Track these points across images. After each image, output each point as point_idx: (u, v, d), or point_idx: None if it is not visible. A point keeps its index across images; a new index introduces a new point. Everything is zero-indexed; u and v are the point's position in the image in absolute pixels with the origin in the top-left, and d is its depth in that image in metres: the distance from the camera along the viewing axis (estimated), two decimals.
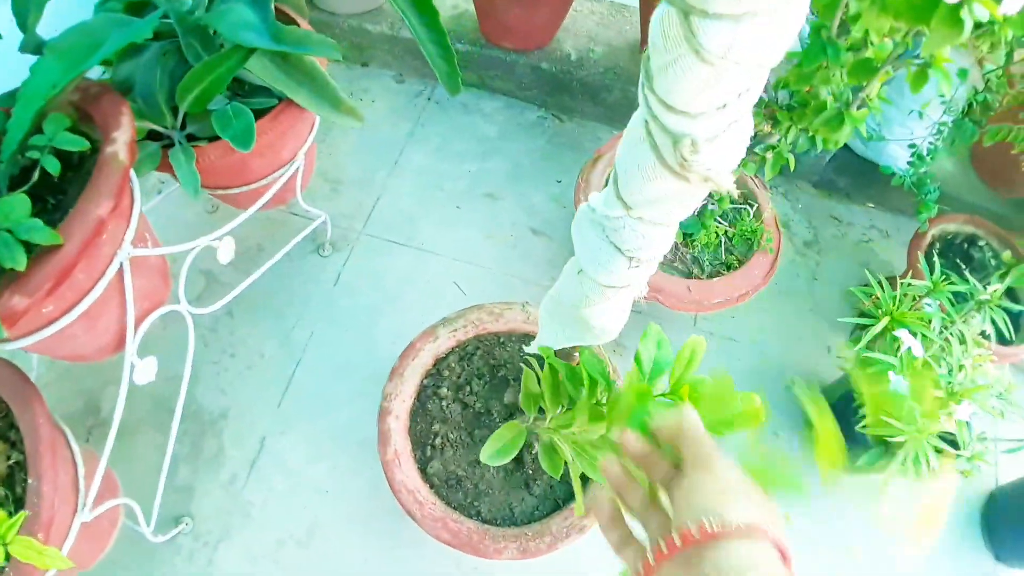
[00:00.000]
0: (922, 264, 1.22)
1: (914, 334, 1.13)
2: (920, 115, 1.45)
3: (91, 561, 1.07)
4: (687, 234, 1.17)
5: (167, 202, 1.24)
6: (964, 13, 0.50)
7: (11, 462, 0.96)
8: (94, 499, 0.97)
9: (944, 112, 1.36)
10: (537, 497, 0.99)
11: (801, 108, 0.86)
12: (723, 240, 1.22)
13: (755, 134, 1.03)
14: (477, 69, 1.64)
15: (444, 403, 1.05)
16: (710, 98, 0.35)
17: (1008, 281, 1.30)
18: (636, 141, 0.42)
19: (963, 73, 1.33)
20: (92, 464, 1.00)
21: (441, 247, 1.45)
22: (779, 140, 0.95)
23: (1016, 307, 1.26)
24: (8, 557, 0.79)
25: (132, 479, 1.13)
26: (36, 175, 0.77)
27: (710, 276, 1.21)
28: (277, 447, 1.26)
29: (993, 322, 1.24)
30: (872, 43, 0.65)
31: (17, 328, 0.73)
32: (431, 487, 0.97)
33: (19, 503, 0.91)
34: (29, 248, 0.69)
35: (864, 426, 1.14)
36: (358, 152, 1.56)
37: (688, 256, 1.21)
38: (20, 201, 0.68)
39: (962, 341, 1.22)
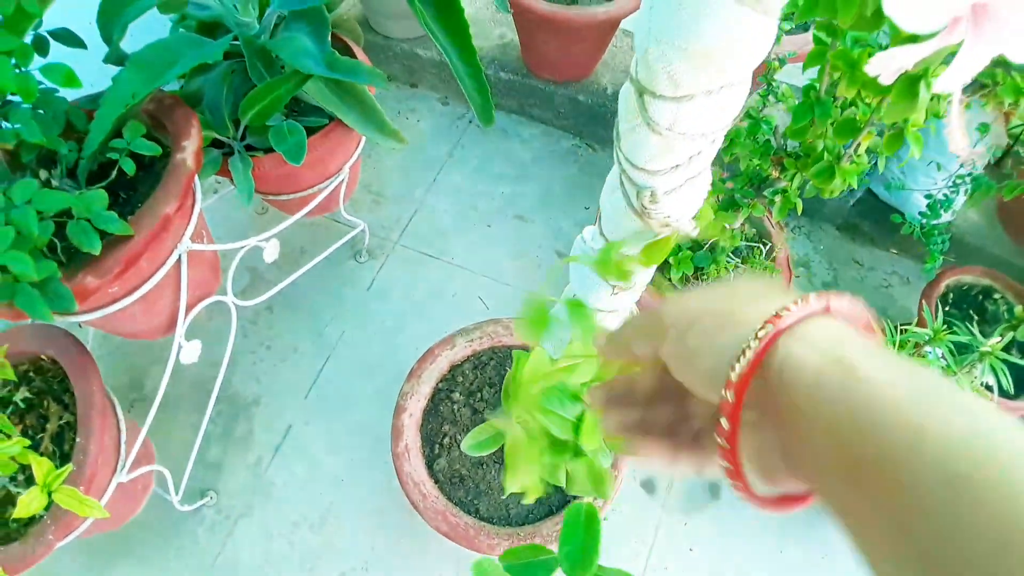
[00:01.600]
0: (926, 312, 1.26)
1: None
2: (939, 167, 1.50)
3: (121, 521, 1.18)
4: (698, 267, 1.24)
5: (222, 201, 1.36)
6: (922, 86, 0.57)
7: (62, 422, 1.08)
8: (132, 463, 1.08)
9: (961, 166, 1.41)
10: (534, 501, 1.07)
11: (805, 157, 0.93)
12: (733, 275, 1.28)
13: (766, 178, 1.10)
14: (518, 97, 1.74)
15: (455, 406, 1.14)
16: (664, 160, 0.43)
17: (1014, 335, 1.33)
18: (614, 187, 0.50)
19: (983, 128, 1.38)
20: (133, 433, 1.11)
21: (470, 263, 1.54)
22: (787, 185, 1.02)
23: (1020, 361, 1.29)
24: (49, 506, 0.90)
25: (166, 451, 1.24)
26: (114, 173, 0.89)
27: None
28: (301, 435, 1.36)
29: (995, 374, 1.27)
30: (858, 104, 0.72)
31: (86, 304, 0.84)
32: (435, 482, 1.06)
33: (65, 459, 1.02)
34: (103, 236, 0.80)
35: None
36: (400, 168, 1.67)
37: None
38: (99, 196, 0.79)
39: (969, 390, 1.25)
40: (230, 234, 1.48)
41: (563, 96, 1.69)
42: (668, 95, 0.38)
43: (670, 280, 1.23)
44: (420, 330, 1.45)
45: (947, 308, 1.54)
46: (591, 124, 1.73)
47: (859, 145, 0.76)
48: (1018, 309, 1.48)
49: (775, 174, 1.04)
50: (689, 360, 0.32)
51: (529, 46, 1.62)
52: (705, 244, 1.24)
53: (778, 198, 1.05)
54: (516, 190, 1.65)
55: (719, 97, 0.38)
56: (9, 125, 0.82)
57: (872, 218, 1.78)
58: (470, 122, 1.76)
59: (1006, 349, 1.35)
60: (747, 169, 1.02)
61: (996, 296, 1.57)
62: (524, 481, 0.56)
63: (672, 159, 0.43)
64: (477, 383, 1.16)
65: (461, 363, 1.16)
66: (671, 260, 1.19)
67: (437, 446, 1.11)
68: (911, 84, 0.56)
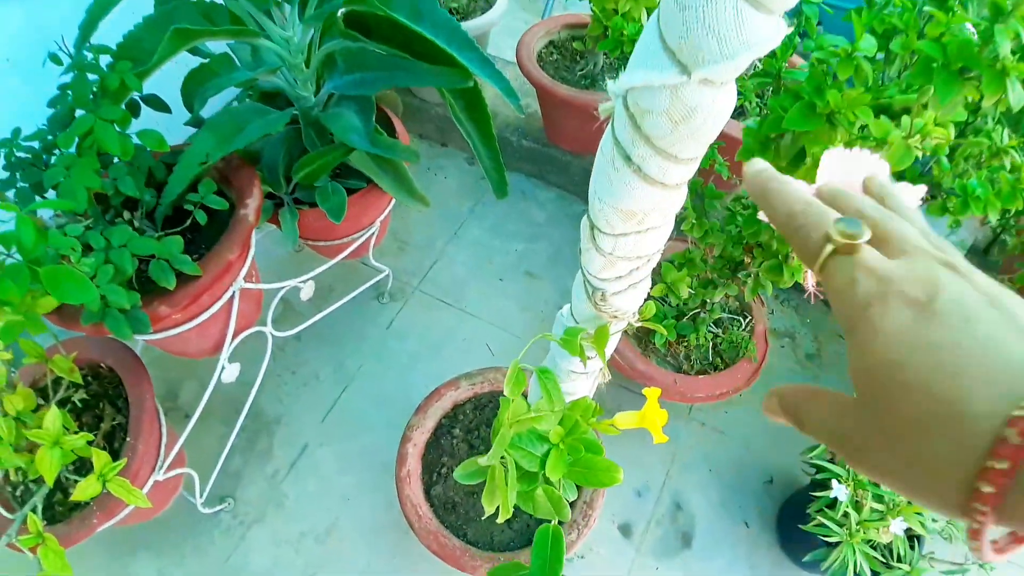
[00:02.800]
0: None
1: None
2: None
3: (151, 515, 1.33)
4: (681, 334, 1.39)
5: (266, 238, 1.54)
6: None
7: (114, 423, 1.24)
8: (168, 464, 1.24)
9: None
10: (515, 531, 1.21)
11: (766, 250, 1.08)
12: (713, 344, 1.43)
13: (740, 262, 1.25)
14: (537, 163, 1.92)
15: (455, 441, 1.29)
16: (609, 272, 0.59)
17: None
18: (578, 283, 0.66)
19: (954, 223, 1.53)
20: (172, 438, 1.27)
21: (481, 312, 1.71)
22: (757, 270, 1.17)
23: None
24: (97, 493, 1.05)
25: (195, 457, 1.39)
26: (188, 221, 1.07)
27: (698, 373, 1.41)
28: (315, 455, 1.51)
29: None
30: None
31: (156, 327, 1.01)
32: (431, 506, 1.20)
33: (114, 455, 1.18)
34: (177, 274, 0.97)
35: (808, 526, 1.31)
36: (426, 220, 1.85)
37: (680, 353, 1.43)
38: (177, 242, 0.96)
39: None
40: (270, 268, 1.66)
41: (578, 166, 1.86)
42: (608, 232, 0.54)
43: (654, 344, 1.39)
44: (431, 369, 1.60)
45: None
46: None
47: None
48: None
49: (747, 260, 1.19)
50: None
51: (549, 120, 1.81)
52: (688, 314, 1.40)
53: (750, 280, 1.21)
54: (529, 248, 1.82)
55: (646, 235, 0.54)
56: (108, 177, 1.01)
57: None
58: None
59: None
60: (723, 254, 1.18)
61: None
62: (497, 503, 0.71)
63: (615, 272, 0.59)
64: (476, 422, 1.31)
65: (463, 403, 1.32)
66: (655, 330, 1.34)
67: (435, 474, 1.26)
68: (761, 253, 0.72)
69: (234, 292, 1.10)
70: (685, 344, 1.41)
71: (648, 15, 1.53)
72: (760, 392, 1.69)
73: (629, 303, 0.64)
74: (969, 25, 0.67)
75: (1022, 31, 0.61)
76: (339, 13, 1.10)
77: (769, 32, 0.37)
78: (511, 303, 1.73)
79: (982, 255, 1.95)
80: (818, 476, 1.33)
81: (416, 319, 1.69)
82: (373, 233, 1.43)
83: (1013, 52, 0.65)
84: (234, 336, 1.20)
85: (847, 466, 1.30)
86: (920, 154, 0.62)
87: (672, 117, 0.42)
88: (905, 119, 0.60)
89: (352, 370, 1.61)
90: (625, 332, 1.43)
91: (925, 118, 0.61)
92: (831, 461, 1.34)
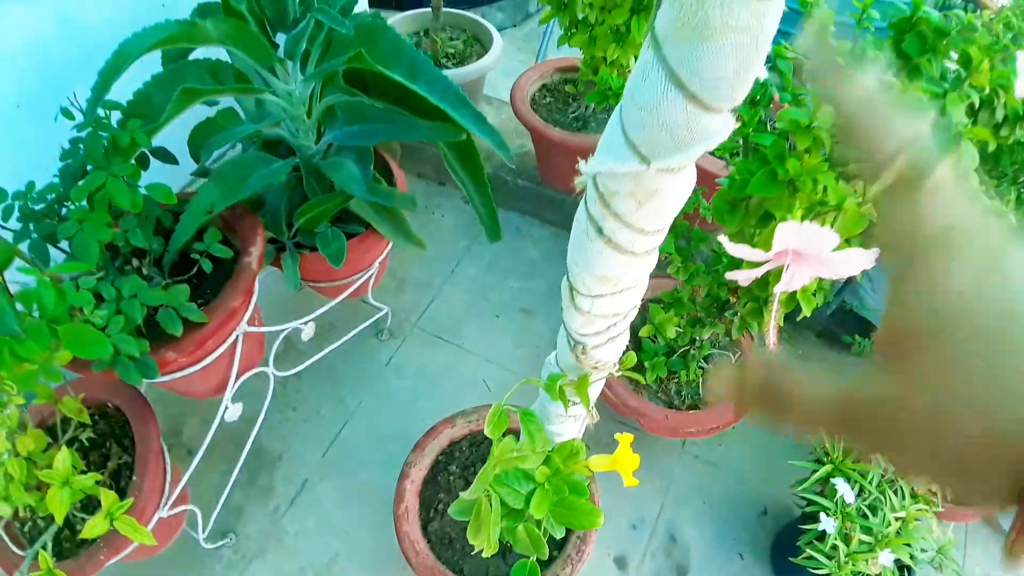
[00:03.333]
0: None
1: (852, 484, 1.33)
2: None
3: (155, 551, 1.36)
4: (671, 370, 1.43)
5: (268, 279, 1.58)
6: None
7: (121, 462, 1.28)
8: (172, 501, 1.27)
9: None
10: (510, 565, 1.23)
11: (748, 291, 1.13)
12: (703, 379, 1.47)
13: (726, 301, 1.29)
14: (532, 201, 1.97)
15: (451, 478, 1.32)
16: (588, 328, 0.63)
17: None
18: (563, 335, 0.70)
19: None
20: (175, 475, 1.31)
21: (478, 348, 1.75)
22: (742, 310, 1.21)
23: None
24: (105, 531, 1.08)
25: (197, 493, 1.43)
26: (195, 269, 1.11)
27: (689, 408, 1.45)
28: (316, 490, 1.54)
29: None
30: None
31: (163, 372, 1.05)
32: (428, 542, 1.23)
33: (121, 493, 1.22)
34: (183, 321, 1.02)
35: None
36: (423, 258, 1.90)
37: (672, 389, 1.46)
38: (183, 291, 1.01)
39: (912, 496, 1.40)
40: (272, 307, 1.70)
41: (572, 205, 1.91)
42: (585, 294, 0.58)
43: (645, 382, 1.42)
44: (429, 405, 1.64)
45: None
46: None
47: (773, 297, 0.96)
48: None
49: (733, 299, 1.23)
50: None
51: (543, 161, 1.87)
52: (678, 350, 1.44)
53: (736, 319, 1.25)
54: (524, 285, 1.87)
55: (620, 296, 0.59)
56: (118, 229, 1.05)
57: (848, 327, 1.95)
58: None
59: None
60: (709, 293, 1.22)
61: None
62: (483, 538, 0.74)
63: (594, 328, 0.63)
64: (472, 459, 1.34)
65: (460, 440, 1.35)
66: (646, 364, 1.38)
67: (433, 510, 1.29)
68: (761, 284, 0.77)
69: (238, 336, 1.15)
70: (676, 380, 1.45)
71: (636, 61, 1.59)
72: (750, 428, 1.73)
73: (609, 354, 0.68)
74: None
75: (975, 96, 0.66)
76: (339, 69, 1.16)
77: (717, 127, 0.42)
78: (507, 340, 1.77)
79: None
80: (808, 508, 1.36)
81: (414, 356, 1.73)
82: (372, 274, 1.47)
83: (968, 115, 0.70)
84: (237, 377, 1.24)
85: (835, 498, 1.33)
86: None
87: (636, 198, 0.47)
88: (848, 189, 0.65)
89: (352, 406, 1.65)
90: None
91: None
92: (820, 494, 1.37)
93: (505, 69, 2.41)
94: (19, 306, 0.71)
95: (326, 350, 1.59)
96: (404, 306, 1.81)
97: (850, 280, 1.43)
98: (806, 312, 0.85)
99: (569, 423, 0.92)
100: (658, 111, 0.41)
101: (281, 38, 1.19)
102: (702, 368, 1.47)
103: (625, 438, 0.67)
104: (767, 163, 0.66)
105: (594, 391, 0.82)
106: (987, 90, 0.80)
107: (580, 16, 1.46)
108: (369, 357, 1.72)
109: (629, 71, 1.59)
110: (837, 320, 1.95)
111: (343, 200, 1.23)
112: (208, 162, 1.22)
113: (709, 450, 1.69)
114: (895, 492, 1.36)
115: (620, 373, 0.70)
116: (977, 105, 0.70)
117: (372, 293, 1.58)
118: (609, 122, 0.47)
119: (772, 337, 0.65)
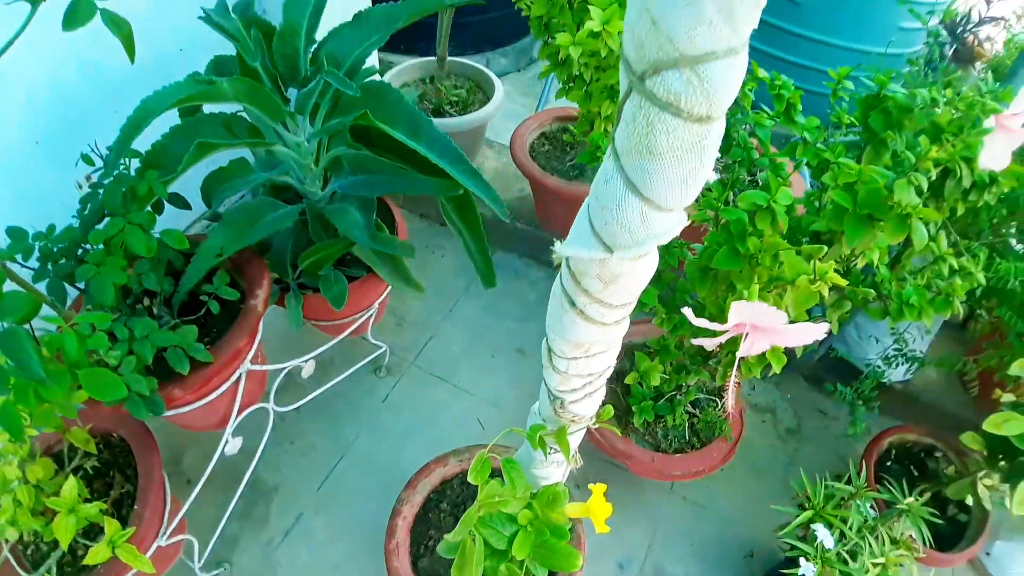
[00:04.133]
0: (851, 469, 1.46)
1: (832, 530, 1.36)
2: (876, 340, 1.74)
3: None
4: (659, 415, 1.47)
5: (271, 315, 1.63)
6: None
7: (123, 490, 1.32)
8: (171, 531, 1.31)
9: (895, 341, 1.64)
10: None
11: (729, 343, 1.18)
12: (690, 423, 1.51)
13: (712, 351, 1.35)
14: (530, 244, 2.04)
15: (442, 515, 1.36)
16: (565, 386, 0.68)
17: (943, 492, 1.51)
18: (544, 389, 0.76)
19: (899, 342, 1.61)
20: (175, 505, 1.35)
21: (473, 388, 1.80)
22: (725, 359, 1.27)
23: (934, 519, 1.45)
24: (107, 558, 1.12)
25: (194, 522, 1.46)
26: (203, 311, 1.17)
27: (676, 451, 1.49)
28: (310, 524, 1.58)
29: (918, 528, 1.44)
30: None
31: (169, 407, 1.11)
32: None
33: (123, 521, 1.26)
34: (190, 359, 1.07)
35: None
36: (424, 298, 1.95)
37: (659, 432, 1.51)
38: (191, 331, 1.07)
39: (893, 542, 1.43)
40: (275, 343, 1.76)
41: None
42: (562, 357, 0.64)
43: (633, 425, 1.47)
44: (424, 442, 1.68)
45: (889, 463, 1.72)
46: None
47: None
48: (949, 469, 1.66)
49: (717, 349, 1.29)
50: None
51: (541, 206, 1.94)
52: (666, 395, 1.48)
53: (720, 368, 1.30)
54: (520, 326, 1.92)
55: (593, 359, 0.64)
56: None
57: (836, 372, 1.99)
58: None
59: (938, 505, 1.54)
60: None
61: (937, 455, 1.73)
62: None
63: (571, 386, 0.68)
64: (463, 497, 1.38)
65: (451, 479, 1.39)
66: (634, 408, 1.43)
67: (423, 547, 1.32)
68: (731, 343, 0.82)
69: (241, 374, 1.20)
70: (663, 423, 1.50)
71: None
72: (739, 468, 1.76)
73: (586, 409, 0.73)
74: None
75: (923, 181, 0.72)
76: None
77: (671, 224, 0.48)
78: (502, 380, 1.82)
79: (959, 329, 2.03)
80: (790, 553, 1.39)
81: (411, 393, 1.78)
82: (372, 314, 1.53)
83: (921, 193, 0.76)
84: (239, 413, 1.29)
85: (815, 543, 1.36)
86: (825, 291, 0.72)
87: (603, 280, 0.52)
88: (805, 265, 0.71)
89: (348, 441, 1.69)
90: None
91: (830, 260, 0.72)
92: (802, 538, 1.40)
93: (509, 112, 2.49)
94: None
95: (326, 386, 1.64)
96: (403, 344, 1.86)
97: (840, 326, 1.48)
98: (776, 370, 0.90)
99: (552, 468, 0.97)
100: (618, 212, 0.46)
101: (293, 92, 1.27)
102: (689, 412, 1.52)
103: (598, 488, 0.72)
104: (729, 240, 0.72)
105: (576, 439, 0.88)
106: (946, 164, 0.86)
107: (576, 73, 1.53)
108: (367, 393, 1.77)
109: None
110: (825, 365, 2.00)
111: (346, 245, 1.29)
112: (218, 207, 1.29)
113: (697, 492, 1.73)
114: (875, 538, 1.40)
115: (597, 425, 0.75)
116: (932, 180, 0.76)
117: (372, 331, 1.63)
118: (580, 210, 0.53)
119: (730, 399, 0.70)
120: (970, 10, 2.29)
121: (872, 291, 0.93)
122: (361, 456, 1.67)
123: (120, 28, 0.72)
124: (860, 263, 0.83)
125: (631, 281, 0.52)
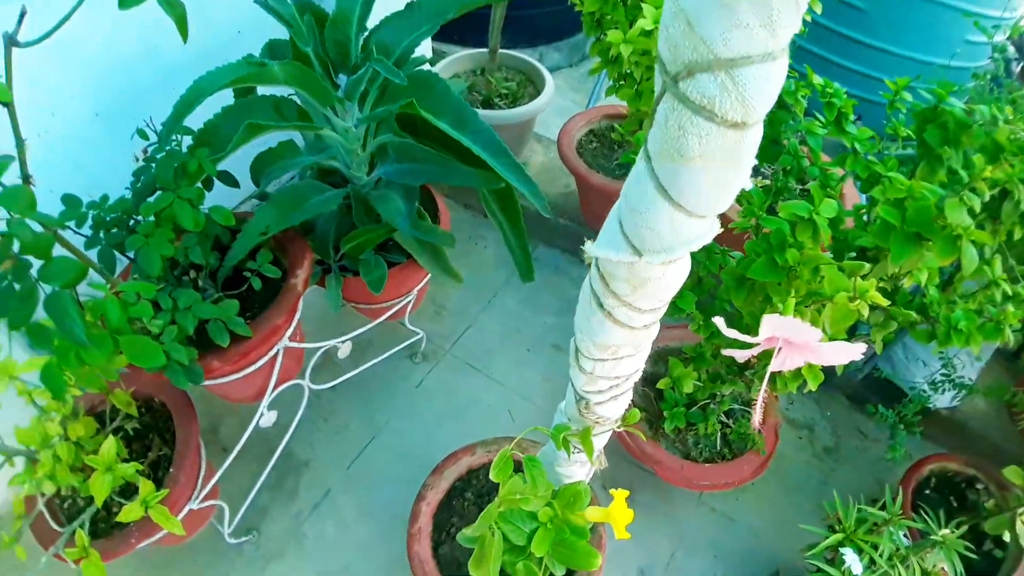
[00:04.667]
0: (887, 494, 1.41)
1: (862, 555, 1.33)
2: (924, 363, 1.68)
3: (182, 541, 1.44)
4: (691, 422, 1.45)
5: (312, 294, 1.66)
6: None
7: (161, 453, 1.36)
8: (203, 495, 1.35)
9: (943, 366, 1.58)
10: None
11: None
12: (723, 433, 1.49)
13: (748, 362, 1.32)
14: (573, 240, 2.03)
15: (466, 504, 1.37)
16: (592, 387, 0.68)
17: (980, 525, 1.45)
18: (570, 389, 0.75)
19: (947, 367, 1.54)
20: (208, 471, 1.39)
21: (507, 379, 1.80)
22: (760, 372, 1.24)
23: (969, 554, 1.40)
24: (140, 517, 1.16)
25: (226, 489, 1.50)
26: (245, 287, 1.20)
27: (706, 460, 1.47)
28: (337, 500, 1.61)
29: (951, 562, 1.39)
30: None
31: (208, 378, 1.14)
32: (437, 563, 1.28)
33: (158, 483, 1.30)
34: (230, 333, 1.10)
35: None
36: (463, 287, 1.96)
37: (689, 439, 1.48)
38: (233, 305, 1.10)
39: (924, 573, 1.39)
40: (314, 322, 1.79)
41: None
42: (588, 357, 0.63)
43: (664, 431, 1.45)
44: (454, 430, 1.70)
45: (928, 491, 1.66)
46: None
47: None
48: (989, 503, 1.59)
49: (753, 360, 1.26)
50: None
51: (586, 202, 1.92)
52: (699, 402, 1.46)
53: (755, 380, 1.27)
54: (558, 321, 1.92)
55: (621, 362, 0.64)
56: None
57: (879, 392, 1.93)
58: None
59: (974, 538, 1.48)
60: None
61: (979, 486, 1.67)
62: (485, 570, 0.79)
63: (597, 387, 0.68)
64: (488, 487, 1.39)
65: (478, 468, 1.40)
66: (666, 413, 1.41)
67: (445, 534, 1.34)
68: (765, 356, 0.80)
69: (279, 350, 1.23)
70: (694, 431, 1.47)
71: None
72: (771, 483, 1.73)
73: (612, 412, 0.72)
74: None
75: (976, 201, 0.69)
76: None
77: (701, 231, 0.47)
78: (536, 373, 1.82)
79: (1011, 359, 1.95)
80: (816, 575, 1.36)
81: (445, 381, 1.79)
82: (410, 300, 1.55)
83: (974, 214, 0.73)
84: (275, 387, 1.32)
85: (842, 568, 1.33)
86: (864, 313, 0.70)
87: (631, 283, 0.52)
88: (846, 281, 0.68)
89: (380, 423, 1.72)
90: None
91: (873, 279, 0.69)
92: (830, 561, 1.37)
93: (559, 108, 2.48)
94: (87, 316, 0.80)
95: (362, 367, 1.67)
96: (440, 332, 1.88)
97: (886, 346, 1.43)
98: (811, 387, 0.88)
99: (576, 467, 0.97)
100: (647, 214, 0.46)
101: (343, 78, 1.29)
102: (722, 422, 1.49)
103: (620, 494, 0.72)
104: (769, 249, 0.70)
105: (601, 440, 0.87)
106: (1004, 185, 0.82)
107: (627, 71, 1.51)
108: (402, 378, 1.79)
109: None
110: (868, 385, 1.94)
111: (388, 231, 1.31)
112: (266, 186, 1.31)
113: (726, 503, 1.70)
114: (906, 567, 1.35)
115: (622, 428, 0.75)
116: (989, 201, 0.73)
117: (410, 317, 1.65)
118: (611, 211, 0.52)
119: (756, 418, 0.69)
120: None
121: (915, 314, 0.89)
122: (392, 439, 1.70)
123: (174, 8, 0.73)
124: (907, 283, 0.80)
125: (660, 286, 0.51)
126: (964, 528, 1.45)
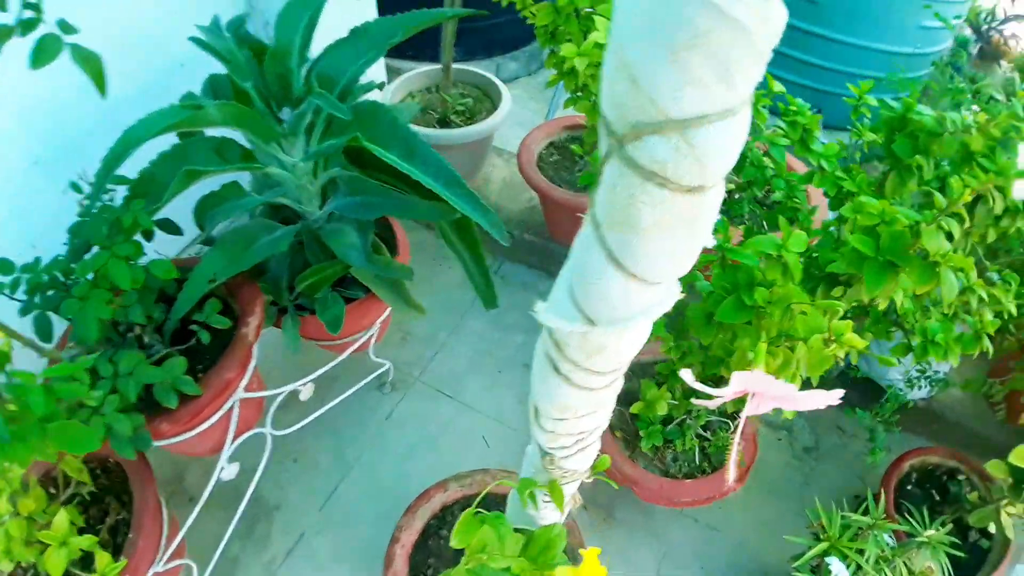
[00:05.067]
0: (869, 495, 1.40)
1: (848, 563, 1.31)
2: (899, 360, 1.67)
3: None
4: (667, 439, 1.42)
5: (271, 334, 1.61)
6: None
7: (119, 517, 1.30)
8: (168, 556, 1.28)
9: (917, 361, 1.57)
10: None
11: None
12: (701, 447, 1.46)
13: (720, 377, 1.29)
14: (539, 255, 1.99)
15: (442, 543, 1.32)
16: (554, 444, 0.64)
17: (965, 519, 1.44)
18: (532, 443, 0.71)
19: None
20: (172, 528, 1.32)
21: (479, 404, 1.76)
22: None
23: (956, 551, 1.39)
24: None
25: (194, 542, 1.43)
26: (194, 340, 1.14)
27: (685, 476, 1.44)
28: (312, 543, 1.55)
29: (938, 560, 1.38)
30: None
31: (157, 439, 1.08)
32: None
33: (117, 548, 1.24)
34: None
35: None
36: (430, 311, 1.90)
37: (668, 456, 1.46)
38: (179, 363, 1.04)
39: (911, 574, 1.37)
40: (275, 363, 1.71)
41: None
42: (547, 417, 0.59)
43: (641, 449, 1.42)
44: (428, 460, 1.65)
45: (910, 487, 1.66)
46: None
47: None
48: (972, 495, 1.59)
49: (727, 375, 1.23)
50: None
51: (550, 217, 1.89)
52: (676, 419, 1.43)
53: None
54: (529, 340, 1.88)
55: (582, 419, 0.60)
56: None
57: (856, 388, 1.92)
58: (495, 273, 2.02)
59: (959, 530, 1.48)
60: (704, 370, 1.23)
61: (960, 478, 1.66)
62: None
63: (560, 443, 0.64)
64: None
65: (452, 504, 1.36)
66: (642, 432, 1.38)
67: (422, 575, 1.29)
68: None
69: (234, 403, 1.17)
70: (672, 448, 1.45)
71: None
72: (753, 489, 1.70)
73: (579, 464, 0.69)
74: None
75: (955, 226, 0.66)
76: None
77: (659, 298, 0.43)
78: (509, 396, 1.78)
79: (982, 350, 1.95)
80: None
81: (416, 410, 1.74)
82: (373, 333, 1.50)
83: (952, 239, 0.70)
84: (234, 439, 1.26)
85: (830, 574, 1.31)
86: (840, 356, 0.67)
87: (585, 350, 0.48)
88: (820, 321, 0.65)
89: (351, 459, 1.66)
90: (613, 435, 1.47)
91: (848, 302, 0.66)
92: (816, 568, 1.35)
93: (519, 119, 2.44)
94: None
95: (329, 404, 1.61)
96: (408, 359, 1.83)
97: None
98: (788, 416, 0.85)
99: (550, 509, 0.93)
100: (599, 284, 0.42)
101: (288, 111, 1.23)
102: (700, 435, 1.47)
103: (591, 553, 0.68)
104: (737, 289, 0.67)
105: (573, 487, 0.83)
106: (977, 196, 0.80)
107: (583, 84, 1.48)
108: (371, 410, 1.74)
109: None
110: (844, 381, 1.93)
111: (343, 268, 1.26)
112: (212, 230, 1.25)
113: (710, 513, 1.67)
114: (892, 570, 1.34)
115: (592, 478, 0.71)
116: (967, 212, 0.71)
117: (375, 348, 1.60)
118: (560, 275, 0.48)
119: (730, 474, 0.65)
120: (994, 7, 2.20)
121: (892, 331, 0.87)
122: (365, 475, 1.64)
123: (90, 64, 0.68)
124: (882, 305, 0.77)
125: (616, 353, 0.47)
126: (949, 523, 1.45)
